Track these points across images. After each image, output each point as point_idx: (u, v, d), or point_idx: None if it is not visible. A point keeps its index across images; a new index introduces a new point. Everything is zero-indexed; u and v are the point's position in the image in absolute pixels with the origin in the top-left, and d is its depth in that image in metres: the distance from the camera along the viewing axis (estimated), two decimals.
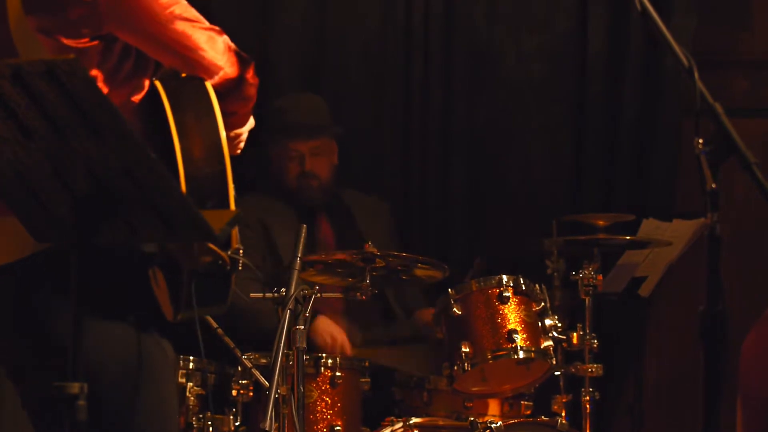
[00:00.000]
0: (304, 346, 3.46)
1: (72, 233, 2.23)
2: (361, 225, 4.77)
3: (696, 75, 2.24)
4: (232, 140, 2.80)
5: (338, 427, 4.05)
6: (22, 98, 2.08)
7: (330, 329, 4.43)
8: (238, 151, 2.86)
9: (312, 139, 4.71)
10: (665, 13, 5.03)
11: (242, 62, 2.71)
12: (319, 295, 3.47)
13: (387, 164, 5.25)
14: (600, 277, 4.32)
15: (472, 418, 4.03)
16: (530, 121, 5.33)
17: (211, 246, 2.49)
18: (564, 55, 5.32)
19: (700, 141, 2.20)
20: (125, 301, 2.63)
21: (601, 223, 4.48)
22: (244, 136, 2.84)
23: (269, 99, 4.64)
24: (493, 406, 4.30)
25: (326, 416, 4.06)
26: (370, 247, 3.95)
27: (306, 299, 3.40)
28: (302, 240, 3.48)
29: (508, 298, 4.06)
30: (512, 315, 4.06)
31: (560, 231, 4.43)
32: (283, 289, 3.39)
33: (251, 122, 2.85)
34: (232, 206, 2.56)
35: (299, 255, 3.46)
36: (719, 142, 2.22)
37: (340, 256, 4.07)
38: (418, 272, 4.17)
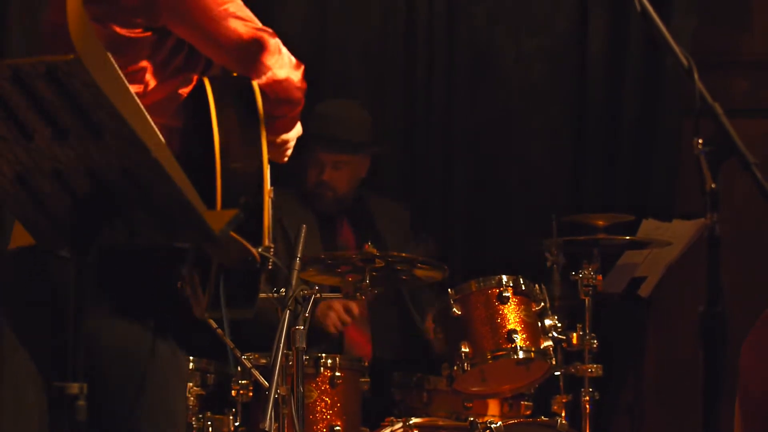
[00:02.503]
0: (304, 346, 3.46)
1: (72, 234, 2.23)
2: (382, 231, 4.76)
3: (696, 75, 2.24)
4: (279, 146, 2.81)
5: (338, 428, 4.04)
6: (22, 98, 2.08)
7: (325, 304, 4.42)
8: (285, 159, 2.85)
9: (337, 153, 4.70)
10: (665, 13, 5.02)
11: (292, 65, 2.72)
12: (318, 295, 3.48)
13: (388, 164, 5.25)
14: (600, 277, 4.32)
15: (471, 419, 4.03)
16: (530, 121, 5.33)
17: (241, 240, 2.48)
18: (564, 55, 5.32)
19: (700, 141, 2.20)
20: (148, 303, 2.63)
21: (600, 223, 4.48)
22: (292, 143, 2.84)
23: None
24: (493, 407, 4.30)
25: (326, 416, 4.06)
26: (369, 248, 3.94)
27: (306, 299, 3.40)
28: (302, 240, 3.48)
29: (507, 298, 4.06)
30: (512, 315, 4.06)
31: (560, 231, 4.43)
32: (282, 289, 3.40)
33: (298, 128, 2.84)
34: (267, 205, 2.58)
35: (299, 255, 3.46)
36: (719, 143, 2.21)
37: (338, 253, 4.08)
38: (418, 272, 4.17)
